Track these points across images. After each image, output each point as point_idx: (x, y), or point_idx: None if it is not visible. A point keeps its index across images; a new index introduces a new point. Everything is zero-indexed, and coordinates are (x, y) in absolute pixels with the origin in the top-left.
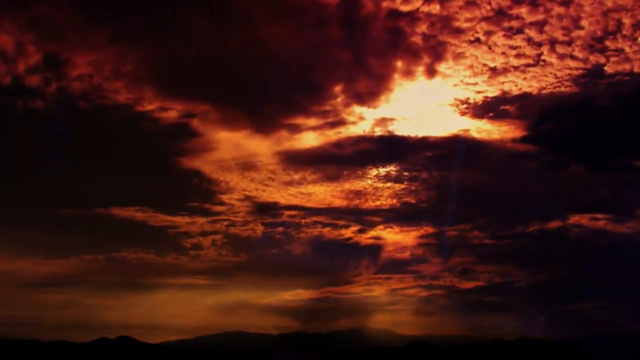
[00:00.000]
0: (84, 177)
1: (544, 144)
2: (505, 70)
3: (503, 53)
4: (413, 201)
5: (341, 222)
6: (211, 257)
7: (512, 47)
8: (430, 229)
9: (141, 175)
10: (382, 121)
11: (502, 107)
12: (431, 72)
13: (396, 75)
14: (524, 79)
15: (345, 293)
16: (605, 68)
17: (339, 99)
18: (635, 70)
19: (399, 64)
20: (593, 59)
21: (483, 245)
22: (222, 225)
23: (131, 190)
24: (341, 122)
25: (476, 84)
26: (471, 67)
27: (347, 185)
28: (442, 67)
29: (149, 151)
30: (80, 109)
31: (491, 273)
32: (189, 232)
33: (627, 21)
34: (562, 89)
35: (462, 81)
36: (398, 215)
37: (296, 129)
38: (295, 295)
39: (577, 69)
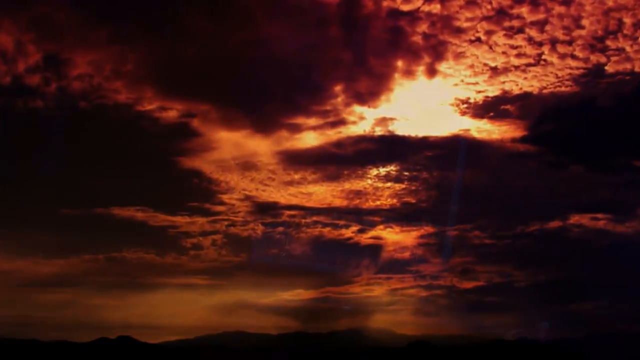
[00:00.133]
0: (84, 177)
1: (544, 144)
2: (506, 70)
3: (504, 52)
4: (413, 201)
5: (341, 222)
6: (211, 257)
7: (512, 47)
8: (430, 229)
9: (141, 175)
10: (383, 121)
11: (502, 107)
12: (432, 72)
13: (397, 75)
14: (525, 78)
15: (346, 293)
16: (606, 67)
17: (339, 99)
18: (636, 69)
19: (400, 63)
20: (594, 58)
21: (483, 245)
22: (222, 225)
23: (131, 190)
24: (341, 122)
25: (477, 83)
26: (472, 66)
27: (348, 185)
28: (442, 66)
29: (149, 151)
30: (80, 108)
31: (491, 273)
32: (189, 232)
33: (628, 20)
34: (563, 88)
35: (462, 81)
36: (398, 215)
37: (296, 129)
38: (295, 295)
39: (578, 68)
